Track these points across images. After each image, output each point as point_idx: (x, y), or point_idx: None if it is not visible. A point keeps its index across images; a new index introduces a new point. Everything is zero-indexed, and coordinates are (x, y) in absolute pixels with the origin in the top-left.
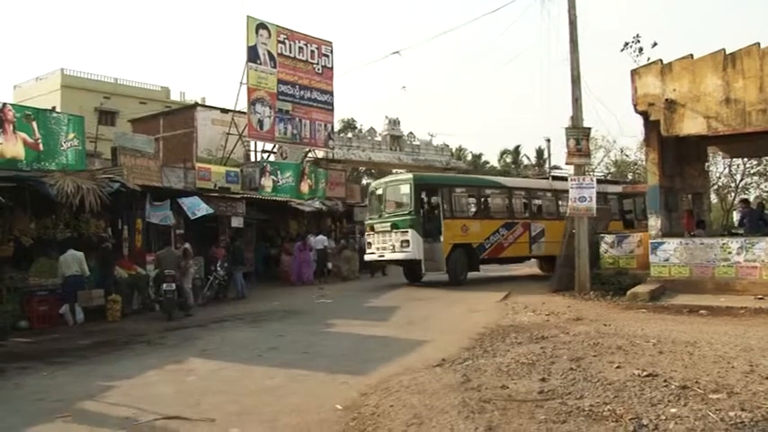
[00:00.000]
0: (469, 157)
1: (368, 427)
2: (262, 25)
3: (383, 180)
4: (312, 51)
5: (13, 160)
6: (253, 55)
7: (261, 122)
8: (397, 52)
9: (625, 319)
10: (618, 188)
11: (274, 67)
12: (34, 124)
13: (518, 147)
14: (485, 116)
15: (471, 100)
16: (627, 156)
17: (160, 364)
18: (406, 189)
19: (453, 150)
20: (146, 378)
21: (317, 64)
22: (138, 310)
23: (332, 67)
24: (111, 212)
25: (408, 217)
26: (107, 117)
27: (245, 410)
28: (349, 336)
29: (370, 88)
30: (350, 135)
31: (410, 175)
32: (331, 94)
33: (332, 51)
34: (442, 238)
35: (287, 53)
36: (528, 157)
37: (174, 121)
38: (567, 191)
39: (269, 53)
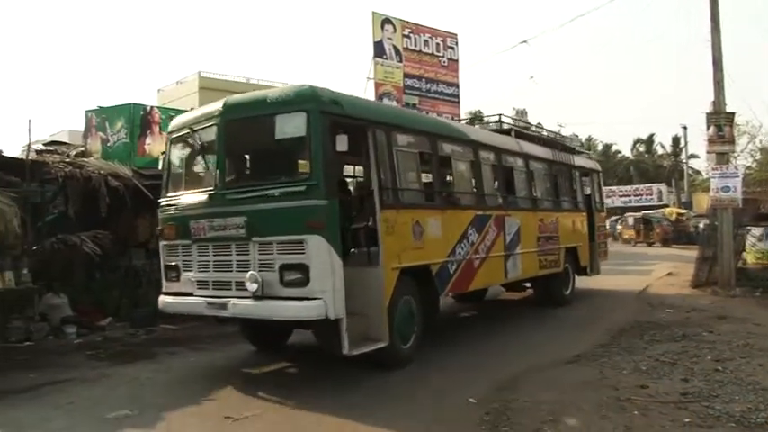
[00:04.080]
0: (600, 147)
1: (501, 422)
2: (387, 20)
3: (214, 107)
4: (437, 44)
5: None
6: (379, 50)
7: None
8: (525, 41)
9: None
10: (583, 160)
11: (400, 61)
12: None
13: (652, 135)
14: (616, 104)
15: (602, 87)
16: None
17: None
18: (293, 126)
19: (583, 140)
20: (282, 366)
21: (443, 57)
22: None
23: (457, 60)
24: None
25: (307, 201)
26: None
27: None
28: (480, 329)
29: (498, 79)
30: (477, 127)
31: (304, 90)
32: (457, 86)
33: (457, 43)
34: (380, 256)
35: (412, 47)
36: (663, 146)
37: None
38: (539, 159)
39: (395, 48)
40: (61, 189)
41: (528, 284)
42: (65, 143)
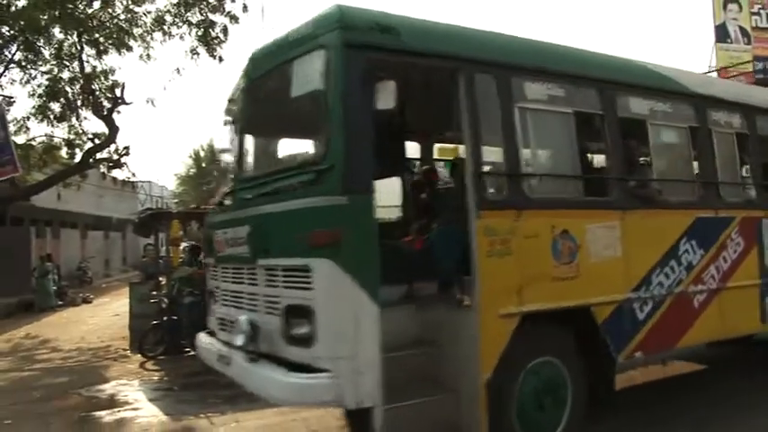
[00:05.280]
0: None
1: None
2: None
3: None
4: None
5: None
6: (721, 34)
7: None
8: None
9: None
10: None
11: (748, 43)
12: None
13: None
14: None
15: None
16: None
17: None
18: (309, 73)
19: None
20: None
21: None
22: None
23: None
24: None
25: (313, 200)
26: None
27: None
28: None
29: None
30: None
31: (326, 14)
32: None
33: None
34: (474, 293)
35: (764, 24)
36: None
37: None
38: None
39: (741, 28)
40: None
41: None
42: None
